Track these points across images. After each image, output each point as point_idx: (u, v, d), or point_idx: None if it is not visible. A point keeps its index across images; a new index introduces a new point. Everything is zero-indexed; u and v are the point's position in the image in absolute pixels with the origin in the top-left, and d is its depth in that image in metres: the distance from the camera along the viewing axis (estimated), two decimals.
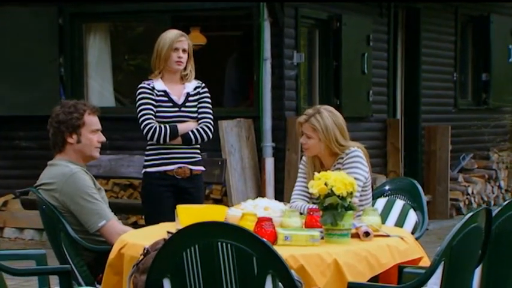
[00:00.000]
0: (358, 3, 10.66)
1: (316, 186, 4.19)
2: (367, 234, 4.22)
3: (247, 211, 4.30)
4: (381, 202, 5.19)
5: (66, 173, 4.77)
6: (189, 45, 5.74)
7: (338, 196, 4.14)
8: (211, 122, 5.76)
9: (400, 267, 4.21)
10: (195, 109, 5.74)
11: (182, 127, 5.66)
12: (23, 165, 10.29)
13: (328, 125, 4.86)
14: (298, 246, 3.98)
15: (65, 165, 4.83)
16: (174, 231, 3.94)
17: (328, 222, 4.14)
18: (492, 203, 12.85)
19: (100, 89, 10.40)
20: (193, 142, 5.69)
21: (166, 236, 3.81)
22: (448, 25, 12.68)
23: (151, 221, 5.45)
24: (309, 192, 4.99)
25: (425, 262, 4.37)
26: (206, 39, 10.92)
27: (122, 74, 10.80)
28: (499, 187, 13.10)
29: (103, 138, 4.93)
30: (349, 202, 4.17)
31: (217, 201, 9.07)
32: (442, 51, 12.58)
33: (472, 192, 12.24)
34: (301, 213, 4.60)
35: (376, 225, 4.36)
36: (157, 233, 4.30)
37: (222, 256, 3.45)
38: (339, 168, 4.87)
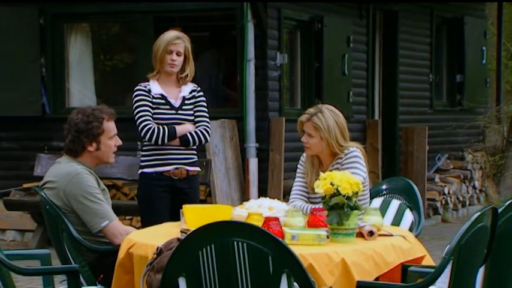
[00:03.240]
0: (339, 5, 10.75)
1: (322, 186, 4.24)
2: (371, 233, 4.28)
3: (253, 211, 4.35)
4: (377, 202, 5.26)
5: (71, 173, 4.79)
6: (186, 47, 5.75)
7: (344, 196, 4.20)
8: (209, 125, 5.81)
9: (403, 266, 4.28)
10: (192, 112, 5.77)
11: (180, 129, 5.69)
12: (4, 166, 10.25)
13: (330, 124, 4.92)
14: (305, 245, 4.04)
15: (70, 165, 4.85)
16: (186, 230, 3.98)
17: (334, 221, 4.19)
18: (467, 202, 13.02)
19: (81, 89, 10.37)
20: (191, 144, 5.73)
21: (180, 235, 3.84)
22: (424, 27, 12.82)
23: (147, 221, 5.47)
24: (307, 192, 5.07)
25: (428, 260, 4.45)
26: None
27: (103, 74, 10.78)
28: (474, 187, 13.26)
29: (120, 142, 4.97)
30: (355, 202, 4.24)
31: (201, 202, 9.08)
32: (418, 52, 12.71)
33: (448, 192, 12.38)
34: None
35: (379, 225, 4.43)
36: (163, 232, 4.34)
37: (238, 255, 3.50)
38: (337, 168, 4.92)
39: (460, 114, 13.47)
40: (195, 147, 5.79)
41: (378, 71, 12.09)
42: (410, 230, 5.07)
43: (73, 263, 4.63)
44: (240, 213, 4.38)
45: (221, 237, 3.51)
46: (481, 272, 4.12)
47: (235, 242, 3.49)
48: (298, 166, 5.15)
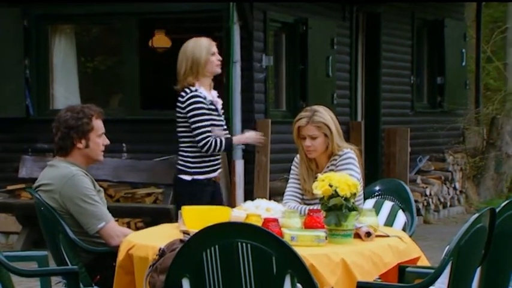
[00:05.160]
0: (323, 7, 10.80)
1: (321, 187, 4.28)
2: (368, 234, 4.32)
3: (251, 212, 4.37)
4: (370, 203, 5.30)
5: (67, 175, 4.78)
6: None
7: (342, 197, 4.24)
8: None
9: (400, 267, 4.32)
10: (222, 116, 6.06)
11: (237, 140, 6.16)
12: None
13: (330, 120, 4.96)
14: (304, 246, 4.07)
15: (65, 166, 4.84)
16: (187, 232, 4.00)
17: (332, 222, 4.23)
18: (448, 204, 13.12)
19: (66, 90, 10.35)
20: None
21: (182, 237, 3.86)
22: (406, 29, 12.91)
23: None
24: (301, 193, 5.10)
25: (423, 261, 4.50)
26: (172, 42, 10.96)
27: (88, 76, 10.77)
28: (454, 188, 13.37)
29: (107, 141, 4.98)
30: (353, 203, 4.28)
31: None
32: (400, 54, 12.79)
33: (430, 194, 12.47)
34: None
35: (375, 226, 4.47)
36: (162, 233, 4.36)
37: (242, 256, 3.52)
38: (332, 170, 4.94)
39: (440, 116, 13.57)
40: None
41: (360, 73, 12.15)
42: (403, 230, 5.12)
43: (69, 264, 4.63)
44: (238, 214, 4.40)
45: (225, 238, 3.53)
46: (477, 272, 4.17)
47: (239, 243, 3.51)
48: (292, 167, 5.17)
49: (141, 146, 9.77)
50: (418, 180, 12.42)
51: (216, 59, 5.93)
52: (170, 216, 8.35)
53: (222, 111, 6.07)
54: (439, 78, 13.68)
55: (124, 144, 9.85)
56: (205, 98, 5.86)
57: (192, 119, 5.85)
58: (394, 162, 12.01)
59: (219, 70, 5.97)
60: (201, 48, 5.89)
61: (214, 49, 5.95)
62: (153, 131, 9.82)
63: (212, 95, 5.99)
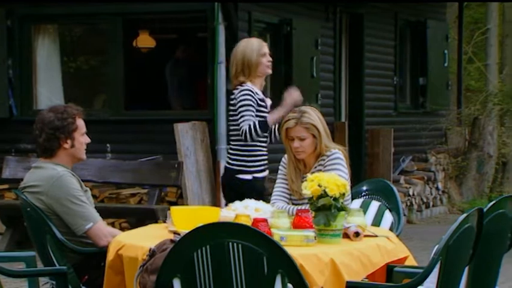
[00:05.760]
0: (307, 8, 10.82)
1: (310, 187, 4.29)
2: (357, 234, 4.34)
3: (240, 212, 4.38)
4: (357, 203, 5.32)
5: (54, 176, 4.77)
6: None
7: (331, 197, 4.25)
8: None
9: (388, 266, 4.35)
10: None
11: (272, 117, 5.92)
12: None
13: (318, 120, 4.98)
14: (293, 246, 4.08)
15: (52, 167, 4.82)
16: (178, 232, 4.00)
17: (322, 222, 4.24)
18: (431, 204, 13.18)
19: (49, 91, 10.32)
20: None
21: (173, 237, 3.86)
22: (389, 30, 12.96)
23: None
24: (289, 194, 5.12)
25: (411, 261, 4.52)
26: (156, 42, 10.95)
27: (71, 76, 10.73)
28: (437, 188, 13.43)
29: (88, 140, 4.98)
30: (341, 203, 4.29)
31: (172, 204, 9.10)
32: (383, 55, 12.84)
33: (413, 194, 12.53)
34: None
35: (363, 226, 4.49)
36: (150, 234, 4.36)
37: (233, 256, 3.53)
38: (319, 170, 4.96)
39: (423, 117, 13.63)
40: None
41: (344, 74, 12.19)
42: (391, 230, 5.14)
43: (57, 265, 4.62)
44: (227, 214, 4.41)
45: (216, 238, 3.54)
46: (465, 271, 4.20)
47: (230, 243, 3.52)
48: (280, 168, 5.19)
49: (126, 147, 9.76)
50: (401, 181, 12.47)
51: (266, 60, 5.92)
52: (155, 217, 8.34)
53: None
54: (422, 79, 13.74)
55: (108, 145, 9.84)
56: (256, 93, 5.89)
57: (240, 112, 5.88)
58: (378, 162, 12.06)
59: (269, 71, 5.96)
60: (252, 49, 5.89)
61: (265, 50, 5.93)
62: (137, 132, 9.81)
63: (261, 94, 5.99)
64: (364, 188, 5.40)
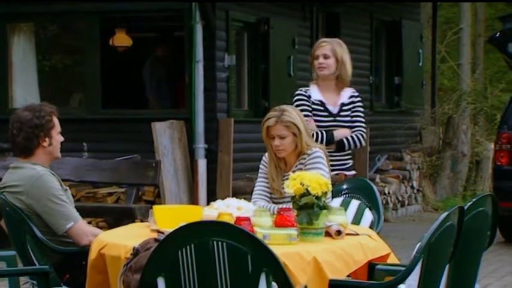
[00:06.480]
0: (284, 7, 10.85)
1: (292, 186, 4.31)
2: (339, 232, 4.36)
3: (222, 211, 4.39)
4: (337, 201, 5.34)
5: (33, 176, 4.75)
6: (334, 50, 5.89)
7: (313, 196, 4.27)
8: (364, 130, 6.02)
9: (370, 264, 4.37)
10: (349, 118, 5.94)
11: (338, 134, 5.87)
12: None
13: (298, 119, 5.00)
14: (276, 244, 4.09)
15: (31, 167, 4.80)
16: (162, 231, 4.00)
17: (304, 221, 4.26)
18: (406, 202, 13.25)
19: (25, 89, 10.26)
20: (347, 148, 5.94)
21: (156, 236, 3.86)
22: (365, 29, 13.02)
23: None
24: (269, 192, 5.13)
25: (393, 258, 4.55)
26: (133, 41, 10.92)
27: (47, 74, 10.68)
28: (412, 187, 13.51)
29: (62, 138, 4.97)
30: (324, 201, 4.31)
31: (149, 203, 9.09)
32: (359, 54, 12.88)
33: (389, 192, 12.59)
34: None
35: (344, 224, 4.51)
36: (132, 233, 4.36)
37: (217, 255, 3.53)
38: (300, 169, 4.98)
39: (398, 116, 13.70)
40: (350, 151, 5.99)
41: None
42: (371, 228, 5.17)
43: (37, 264, 4.60)
44: (209, 213, 4.40)
45: (200, 237, 3.54)
46: (445, 269, 4.24)
47: (214, 242, 3.53)
48: (261, 166, 5.20)
49: (102, 146, 9.73)
50: (377, 179, 12.53)
51: (318, 62, 5.87)
52: (133, 216, 8.33)
53: (348, 113, 5.92)
54: (397, 78, 13.82)
55: (85, 144, 9.81)
56: (309, 97, 5.88)
57: None
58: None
59: (322, 73, 5.87)
60: (313, 49, 5.95)
61: (318, 52, 5.87)
62: (114, 131, 9.79)
63: (327, 96, 5.90)
64: (344, 186, 5.43)
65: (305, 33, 11.42)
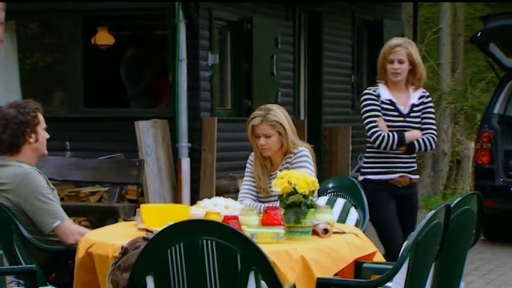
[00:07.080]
0: (267, 6, 10.86)
1: (280, 184, 4.33)
2: (326, 231, 4.38)
3: (210, 210, 4.40)
4: (323, 200, 5.36)
5: (20, 174, 4.74)
6: (408, 53, 5.77)
7: (301, 194, 4.29)
8: (435, 133, 5.94)
9: (357, 263, 4.40)
10: (419, 119, 5.87)
11: (409, 135, 5.80)
12: None
13: (284, 118, 5.02)
14: (263, 243, 4.10)
15: (18, 165, 4.79)
16: (151, 230, 4.01)
17: (292, 220, 4.28)
18: None
19: (6, 88, 10.21)
20: (417, 151, 5.87)
21: (145, 235, 3.87)
22: (347, 29, 13.06)
23: (381, 227, 5.88)
24: (256, 191, 5.14)
25: (379, 257, 4.58)
26: (115, 39, 10.89)
27: (29, 73, 10.63)
28: None
29: (48, 135, 4.97)
30: (311, 200, 4.33)
31: (133, 202, 9.08)
32: (341, 54, 12.93)
33: None
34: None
35: (331, 223, 4.54)
36: (120, 232, 4.36)
37: (207, 253, 3.54)
38: (287, 168, 5.00)
39: None
40: (415, 155, 5.92)
41: (303, 72, 12.25)
42: (356, 227, 5.20)
43: (23, 263, 4.59)
44: (197, 212, 4.42)
45: (189, 236, 3.55)
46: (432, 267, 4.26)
47: (203, 241, 3.53)
48: (247, 165, 5.21)
49: (85, 144, 9.70)
50: (360, 178, 12.54)
51: (392, 67, 5.74)
52: (116, 215, 8.30)
53: (419, 114, 5.84)
54: (378, 77, 13.84)
55: (67, 143, 9.77)
56: (378, 96, 5.81)
57: (362, 116, 5.87)
58: (336, 160, 12.13)
59: (395, 79, 5.76)
60: (382, 53, 5.81)
61: (393, 57, 5.72)
62: (97, 129, 9.76)
63: (397, 96, 5.82)
64: (330, 185, 5.46)
65: (288, 32, 11.45)
